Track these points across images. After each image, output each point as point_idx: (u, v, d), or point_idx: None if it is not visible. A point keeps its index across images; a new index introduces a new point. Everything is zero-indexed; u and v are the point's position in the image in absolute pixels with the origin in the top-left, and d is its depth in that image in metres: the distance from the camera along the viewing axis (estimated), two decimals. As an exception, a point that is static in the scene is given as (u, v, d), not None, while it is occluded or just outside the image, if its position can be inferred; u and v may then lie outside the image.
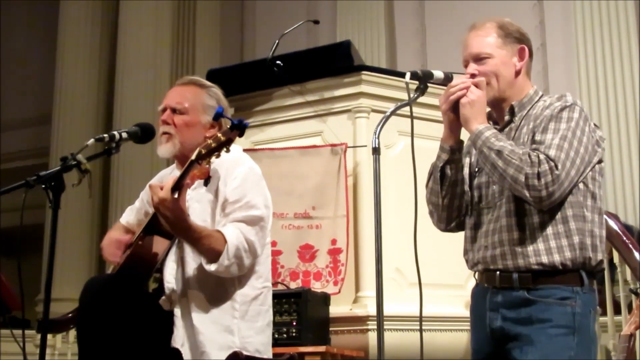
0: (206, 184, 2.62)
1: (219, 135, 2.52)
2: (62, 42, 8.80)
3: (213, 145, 2.52)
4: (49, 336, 5.04)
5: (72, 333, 5.20)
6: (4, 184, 2.77)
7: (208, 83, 3.04)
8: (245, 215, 2.78)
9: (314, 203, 4.03)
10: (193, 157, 2.55)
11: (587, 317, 2.35)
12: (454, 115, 2.48)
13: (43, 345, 2.58)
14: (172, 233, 2.79)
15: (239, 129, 2.50)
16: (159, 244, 2.84)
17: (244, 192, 2.80)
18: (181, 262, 2.85)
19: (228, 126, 2.54)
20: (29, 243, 4.49)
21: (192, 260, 2.82)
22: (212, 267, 2.71)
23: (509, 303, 2.37)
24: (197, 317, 2.78)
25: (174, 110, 2.93)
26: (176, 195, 2.62)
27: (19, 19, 10.30)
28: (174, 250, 2.88)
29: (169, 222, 2.67)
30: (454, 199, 2.54)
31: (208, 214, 2.84)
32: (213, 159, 2.55)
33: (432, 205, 2.59)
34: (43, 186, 2.62)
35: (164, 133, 2.93)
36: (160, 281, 2.92)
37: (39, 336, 4.32)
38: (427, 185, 2.60)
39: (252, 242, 2.77)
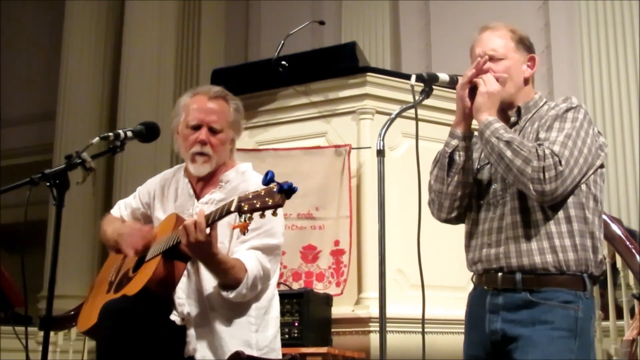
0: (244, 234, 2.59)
1: (266, 197, 2.40)
2: (67, 39, 8.81)
3: (257, 205, 2.41)
4: (51, 333, 5.04)
5: (74, 330, 5.20)
6: (7, 181, 2.77)
7: (230, 95, 3.01)
8: (263, 244, 2.78)
9: (317, 204, 4.02)
10: (232, 208, 2.47)
11: (589, 322, 2.37)
12: (471, 102, 2.48)
13: (46, 342, 2.58)
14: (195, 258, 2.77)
15: (287, 193, 2.38)
16: (177, 267, 2.81)
17: (266, 219, 2.71)
18: (195, 278, 2.83)
19: (273, 188, 2.39)
20: (31, 239, 4.50)
21: (210, 277, 2.79)
22: (230, 295, 2.72)
23: (510, 305, 2.37)
24: (215, 332, 2.77)
25: (210, 129, 2.90)
26: (208, 231, 2.58)
27: (24, 15, 10.31)
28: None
29: (201, 257, 2.68)
30: (458, 187, 2.50)
31: (226, 236, 2.81)
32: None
33: (434, 192, 2.55)
34: (48, 184, 2.61)
35: (202, 154, 2.88)
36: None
37: (41, 333, 4.33)
38: (431, 172, 2.56)
39: (268, 270, 2.79)
